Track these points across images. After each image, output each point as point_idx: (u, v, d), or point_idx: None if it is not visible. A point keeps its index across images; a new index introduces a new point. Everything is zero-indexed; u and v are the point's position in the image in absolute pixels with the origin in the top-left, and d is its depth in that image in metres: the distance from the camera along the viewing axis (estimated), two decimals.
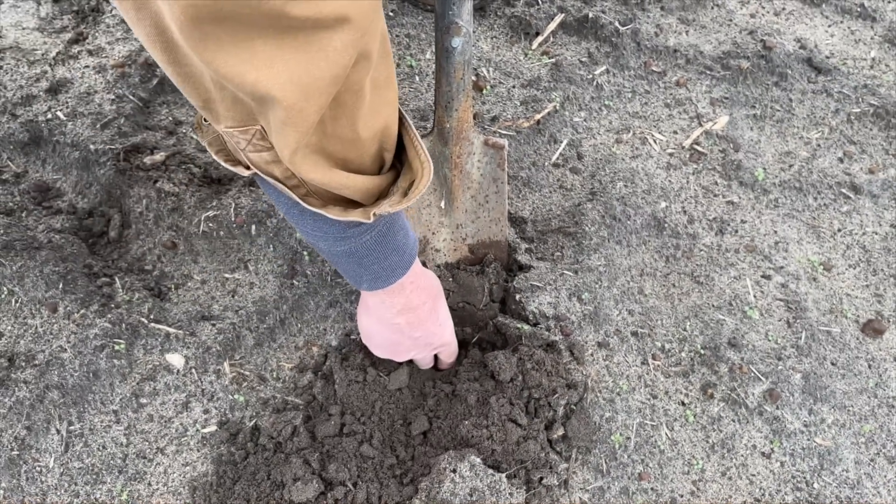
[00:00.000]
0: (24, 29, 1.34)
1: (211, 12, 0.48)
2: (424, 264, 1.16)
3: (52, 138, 1.21)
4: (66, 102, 1.25)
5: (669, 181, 1.29)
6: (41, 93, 1.25)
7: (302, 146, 0.63)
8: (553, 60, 1.41)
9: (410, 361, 1.06)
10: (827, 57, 1.45)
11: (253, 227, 1.16)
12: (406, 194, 0.73)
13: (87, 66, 1.30)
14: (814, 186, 1.31)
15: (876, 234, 1.27)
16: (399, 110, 0.73)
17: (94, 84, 1.28)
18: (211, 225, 1.15)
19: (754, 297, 1.19)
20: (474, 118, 1.29)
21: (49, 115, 1.23)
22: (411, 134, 0.74)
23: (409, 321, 0.92)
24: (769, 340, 1.14)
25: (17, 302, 1.07)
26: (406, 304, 0.91)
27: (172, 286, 1.13)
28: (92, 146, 1.20)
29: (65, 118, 1.23)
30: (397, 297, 0.90)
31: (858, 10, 1.52)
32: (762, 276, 1.21)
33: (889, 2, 1.54)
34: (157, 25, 0.53)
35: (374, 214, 0.73)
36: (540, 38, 1.43)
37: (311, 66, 0.54)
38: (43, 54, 1.30)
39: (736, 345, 1.13)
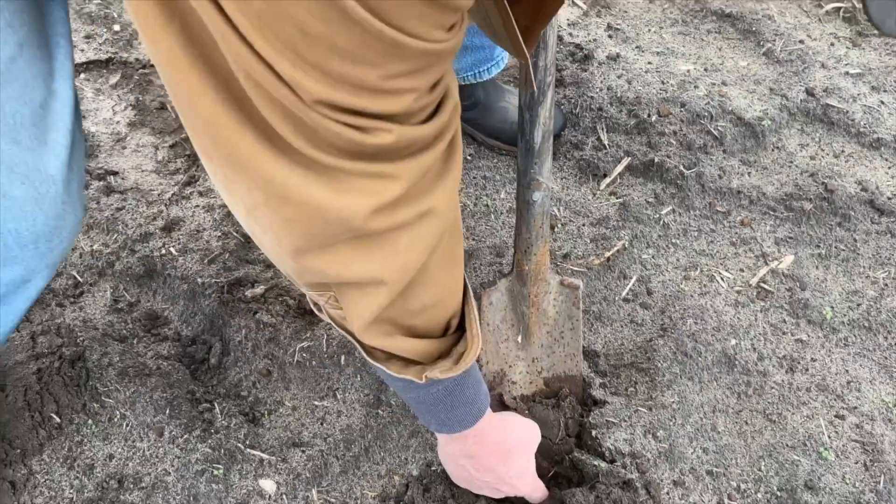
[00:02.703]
0: (143, 171, 1.50)
1: (310, 246, 0.61)
2: (501, 396, 1.22)
3: (165, 271, 1.34)
4: (179, 239, 1.39)
5: (738, 318, 1.33)
6: (157, 230, 1.40)
7: (375, 320, 0.72)
8: (620, 200, 1.50)
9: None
10: (889, 198, 1.51)
11: (342, 357, 1.24)
12: (458, 361, 0.80)
13: (198, 206, 1.45)
14: (884, 326, 1.33)
15: None
16: (464, 281, 0.81)
17: (203, 222, 1.42)
18: (305, 355, 1.24)
19: (829, 437, 1.20)
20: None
21: (163, 251, 1.36)
22: (470, 306, 0.82)
23: (474, 466, 0.97)
24: (847, 483, 1.14)
25: (127, 425, 1.16)
26: (469, 452, 0.96)
27: (266, 412, 1.21)
28: (199, 279, 1.32)
29: (176, 253, 1.36)
30: (460, 445, 0.95)
31: None
32: (836, 416, 1.22)
33: None
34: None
35: (426, 377, 0.79)
36: (608, 180, 1.53)
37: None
38: (159, 195, 1.46)
39: (813, 487, 1.13)
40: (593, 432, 1.16)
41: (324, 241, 0.61)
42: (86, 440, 1.15)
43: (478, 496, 1.10)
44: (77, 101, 0.77)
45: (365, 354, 0.79)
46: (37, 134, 0.70)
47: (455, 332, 0.83)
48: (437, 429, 0.94)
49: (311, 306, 0.80)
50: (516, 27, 0.66)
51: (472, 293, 0.82)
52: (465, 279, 0.81)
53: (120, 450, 1.14)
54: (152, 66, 1.70)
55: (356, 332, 0.73)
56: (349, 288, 0.67)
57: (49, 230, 0.75)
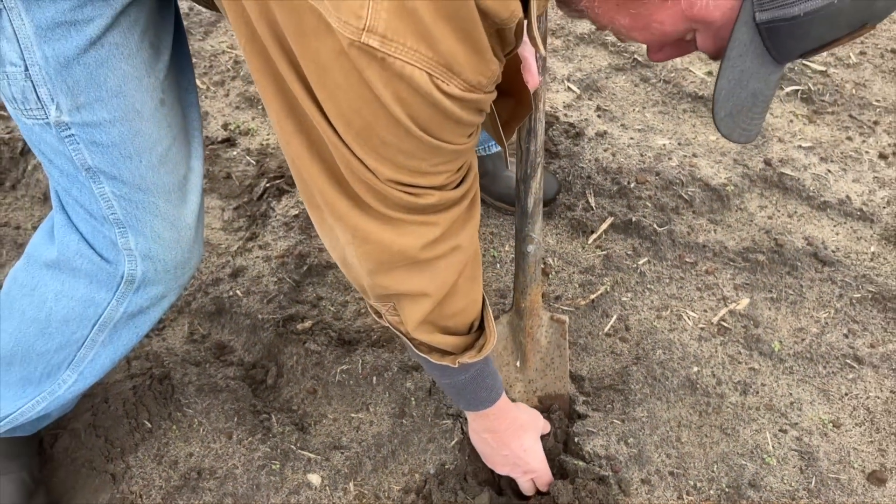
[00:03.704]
0: (212, 229, 1.84)
1: (380, 269, 0.92)
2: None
3: (232, 309, 1.65)
4: (243, 284, 1.71)
5: (701, 350, 1.61)
6: (225, 276, 1.72)
7: (422, 322, 1.02)
8: (604, 252, 1.80)
9: (496, 483, 1.37)
10: (832, 252, 1.79)
11: (374, 378, 1.54)
12: (480, 351, 1.10)
13: (258, 257, 1.77)
14: (823, 357, 1.60)
15: (878, 398, 1.54)
16: (483, 295, 1.12)
17: (262, 270, 1.74)
18: (344, 376, 1.54)
19: (772, 447, 1.46)
20: (542, 297, 1.66)
21: (230, 293, 1.68)
22: (488, 311, 1.12)
23: (494, 439, 1.26)
24: (784, 483, 1.40)
25: (204, 430, 1.46)
26: (489, 426, 1.26)
27: (312, 422, 1.50)
28: (259, 316, 1.64)
29: (241, 295, 1.68)
30: (483, 421, 1.25)
31: (858, 213, 1.87)
32: (779, 430, 1.48)
33: (885, 207, 1.89)
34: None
35: (459, 362, 1.09)
36: (594, 236, 1.83)
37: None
38: (226, 248, 1.79)
39: (755, 485, 1.39)
40: (576, 439, 1.44)
41: (389, 266, 0.92)
42: (171, 441, 1.45)
43: (482, 488, 1.37)
44: (202, 173, 1.11)
45: (413, 348, 1.09)
46: (180, 196, 1.05)
47: (476, 331, 1.13)
48: (465, 408, 1.25)
49: (374, 315, 1.11)
50: (499, 122, 1.00)
51: (488, 303, 1.12)
52: (483, 294, 1.11)
53: (198, 449, 1.44)
54: (220, 142, 2.05)
55: (409, 331, 1.04)
56: (405, 298, 0.98)
57: (184, 261, 1.08)
